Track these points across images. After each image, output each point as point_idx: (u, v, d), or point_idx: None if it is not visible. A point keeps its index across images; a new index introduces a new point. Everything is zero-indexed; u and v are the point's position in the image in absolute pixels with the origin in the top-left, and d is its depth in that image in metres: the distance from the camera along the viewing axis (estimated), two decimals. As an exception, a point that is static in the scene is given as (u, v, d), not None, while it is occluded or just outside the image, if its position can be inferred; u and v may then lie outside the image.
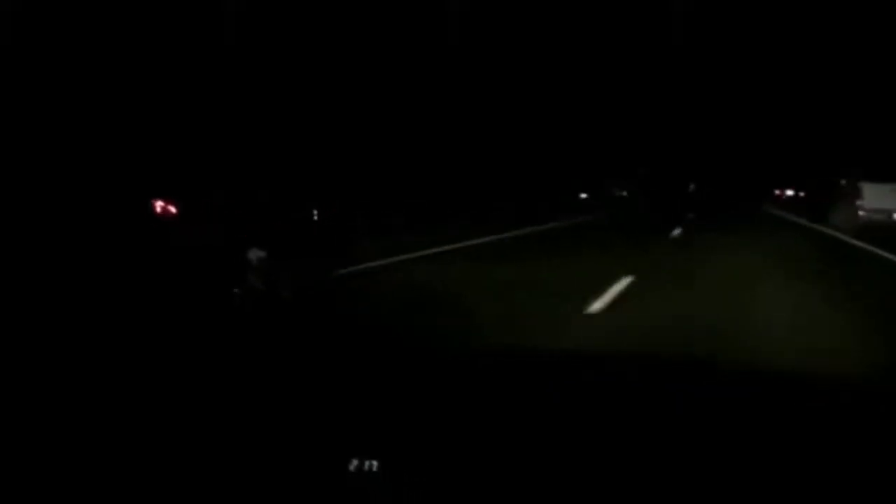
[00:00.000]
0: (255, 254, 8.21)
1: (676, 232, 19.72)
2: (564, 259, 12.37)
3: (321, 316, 6.60)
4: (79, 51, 12.91)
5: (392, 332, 5.59)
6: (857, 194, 19.52)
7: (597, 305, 7.32)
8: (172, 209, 9.97)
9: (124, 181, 11.20)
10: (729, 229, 21.04)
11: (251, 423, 1.35)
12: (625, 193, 49.11)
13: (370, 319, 6.51)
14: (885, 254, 13.39)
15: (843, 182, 21.96)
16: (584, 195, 43.00)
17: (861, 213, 19.02)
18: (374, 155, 21.01)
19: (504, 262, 11.34)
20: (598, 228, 22.40)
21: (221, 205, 9.89)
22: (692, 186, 55.73)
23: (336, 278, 8.94)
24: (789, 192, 46.36)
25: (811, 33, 38.62)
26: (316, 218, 10.93)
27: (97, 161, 11.90)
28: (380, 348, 2.69)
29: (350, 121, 20.46)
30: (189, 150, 12.14)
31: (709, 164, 60.33)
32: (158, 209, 10.00)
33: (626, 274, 9.21)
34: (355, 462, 1.11)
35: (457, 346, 3.81)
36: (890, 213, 18.51)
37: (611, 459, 1.21)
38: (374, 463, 1.11)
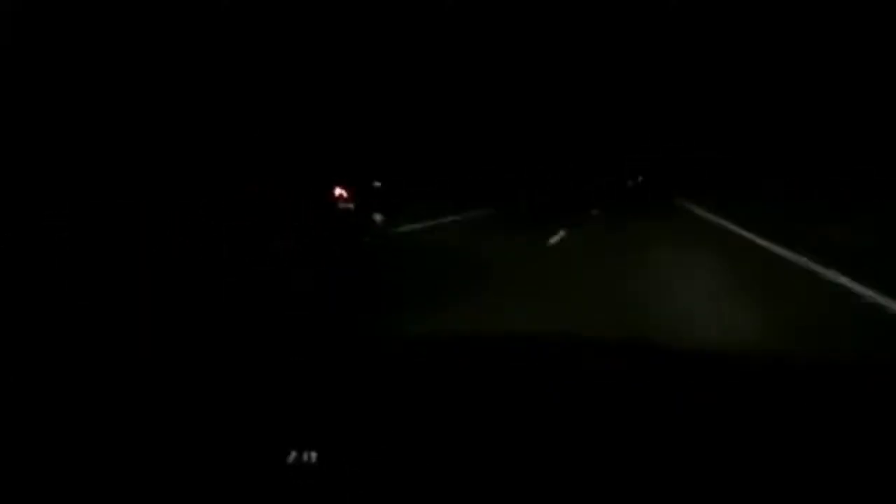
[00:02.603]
0: (377, 217, 18.89)
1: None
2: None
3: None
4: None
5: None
6: None
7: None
8: (343, 192, 16.37)
9: (318, 175, 15.11)
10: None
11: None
12: None
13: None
14: None
15: None
16: None
17: None
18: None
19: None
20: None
21: (362, 189, 17.31)
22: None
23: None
24: None
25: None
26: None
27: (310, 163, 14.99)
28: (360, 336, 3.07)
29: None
30: (348, 154, 15.60)
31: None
32: (336, 192, 16.19)
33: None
34: (293, 454, 1.06)
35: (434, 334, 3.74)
36: None
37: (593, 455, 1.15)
38: (314, 454, 1.05)
